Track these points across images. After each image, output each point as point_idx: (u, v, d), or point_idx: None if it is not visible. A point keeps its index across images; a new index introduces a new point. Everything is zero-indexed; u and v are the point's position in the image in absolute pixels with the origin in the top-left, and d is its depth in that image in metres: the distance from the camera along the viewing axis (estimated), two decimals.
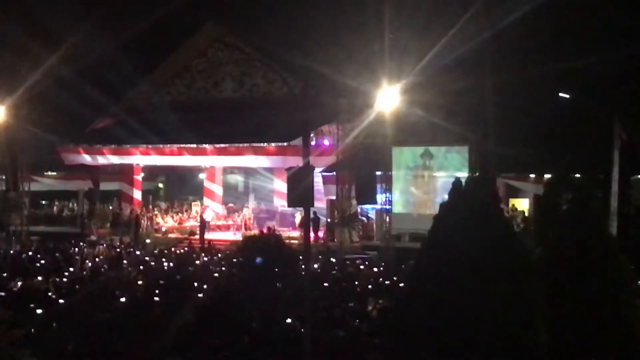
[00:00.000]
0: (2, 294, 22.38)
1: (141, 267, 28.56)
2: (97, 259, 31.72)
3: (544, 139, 35.84)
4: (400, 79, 35.95)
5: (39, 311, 19.43)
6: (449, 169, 36.14)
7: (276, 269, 21.02)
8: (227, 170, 52.26)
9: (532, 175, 38.58)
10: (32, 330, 16.77)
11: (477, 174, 13.66)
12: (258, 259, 20.83)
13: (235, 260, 26.47)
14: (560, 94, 38.42)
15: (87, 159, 45.85)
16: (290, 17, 43.95)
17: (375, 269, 28.91)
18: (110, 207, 47.83)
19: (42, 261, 30.19)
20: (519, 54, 38.27)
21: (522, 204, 40.37)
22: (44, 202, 51.03)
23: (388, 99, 36.03)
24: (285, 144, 39.00)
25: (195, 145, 42.59)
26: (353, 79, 36.79)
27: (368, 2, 38.65)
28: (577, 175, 31.21)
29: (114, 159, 45.84)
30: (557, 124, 36.90)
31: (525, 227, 34.54)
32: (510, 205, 39.16)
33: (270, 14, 46.88)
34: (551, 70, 36.19)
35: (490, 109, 35.23)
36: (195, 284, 23.73)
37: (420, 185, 37.78)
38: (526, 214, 38.46)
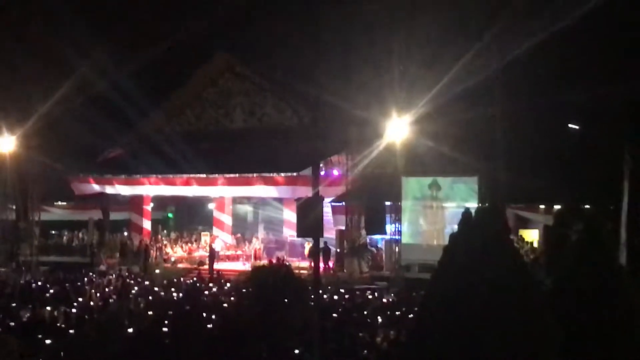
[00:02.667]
0: (12, 323, 22.37)
1: (150, 298, 28.53)
2: (106, 289, 31.72)
3: (554, 170, 35.80)
4: (410, 109, 36.08)
5: (47, 341, 19.41)
6: (456, 199, 36.09)
7: (285, 300, 20.96)
8: (237, 200, 52.25)
9: (542, 206, 38.49)
10: None
11: (487, 204, 13.63)
12: None
13: (244, 290, 26.44)
14: (570, 125, 38.41)
15: (97, 188, 45.92)
16: (301, 47, 44.10)
17: (384, 300, 28.83)
18: (120, 237, 47.83)
19: (52, 291, 30.20)
20: (529, 84, 38.32)
21: (532, 235, 40.22)
22: (53, 232, 51.06)
23: (398, 129, 36.16)
24: (294, 174, 39.00)
25: (205, 176, 42.62)
26: (363, 109, 36.89)
27: (378, 33, 38.83)
28: (587, 206, 31.18)
29: (124, 189, 45.90)
30: (567, 154, 36.87)
31: (534, 258, 34.45)
32: (518, 236, 39.04)
33: (280, 45, 47.10)
34: (561, 100, 36.22)
35: (499, 139, 35.25)
36: (204, 315, 23.67)
37: (429, 216, 37.67)
38: (535, 245, 38.32)
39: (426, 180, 37.52)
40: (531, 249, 37.20)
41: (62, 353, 18.43)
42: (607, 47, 37.36)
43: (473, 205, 26.45)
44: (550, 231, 33.85)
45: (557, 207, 36.72)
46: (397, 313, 24.40)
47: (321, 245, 38.19)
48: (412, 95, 36.45)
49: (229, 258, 45.57)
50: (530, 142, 37.25)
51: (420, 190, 37.72)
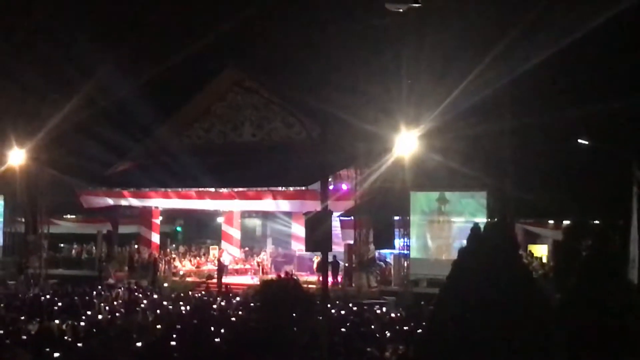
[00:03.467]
0: (21, 337, 22.38)
1: (158, 311, 28.53)
2: (114, 303, 31.73)
3: (563, 185, 35.76)
4: (419, 123, 36.10)
5: (56, 355, 19.40)
6: (465, 214, 36.04)
7: (294, 314, 20.94)
8: (245, 214, 52.27)
9: (551, 221, 38.42)
10: None
11: (496, 219, 13.62)
12: None
13: (252, 304, 26.44)
14: (579, 140, 38.37)
15: (106, 202, 45.99)
16: (310, 61, 44.26)
17: (393, 315, 28.77)
18: (129, 250, 47.84)
19: (60, 304, 30.21)
20: (538, 99, 38.34)
21: (541, 250, 40.14)
22: (62, 245, 51.15)
23: (406, 143, 36.17)
24: (303, 188, 38.99)
25: (214, 189, 42.65)
26: (371, 123, 36.92)
27: (387, 48, 38.92)
28: (596, 222, 31.13)
29: (133, 202, 45.96)
30: (576, 170, 36.83)
31: (543, 273, 34.37)
32: (527, 251, 38.94)
33: (289, 59, 47.23)
34: (570, 115, 36.22)
35: (508, 154, 35.26)
36: (213, 329, 23.65)
37: (437, 231, 37.62)
38: (544, 260, 38.22)
39: (435, 194, 37.48)
40: (540, 264, 37.10)
41: None
42: (616, 63, 37.40)
43: (482, 220, 26.44)
44: (560, 246, 33.80)
45: (566, 222, 36.66)
46: (405, 328, 24.34)
47: (330, 259, 38.35)
48: (420, 109, 36.48)
49: (237, 272, 45.55)
50: (540, 157, 37.23)
51: (428, 205, 37.68)
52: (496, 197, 35.25)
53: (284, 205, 42.04)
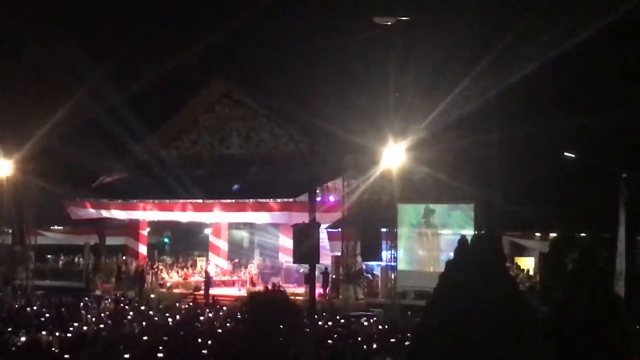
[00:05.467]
0: (8, 348, 22.31)
1: (145, 323, 28.47)
2: (101, 314, 31.65)
3: (550, 198, 35.85)
4: (406, 136, 36.20)
5: None
6: (453, 226, 36.06)
7: (281, 326, 20.94)
8: (233, 226, 52.21)
9: (538, 234, 38.50)
10: None
11: (483, 231, 13.68)
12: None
13: (239, 316, 26.39)
14: (566, 153, 38.55)
15: (93, 213, 45.89)
16: (297, 74, 44.33)
17: (380, 327, 28.78)
18: (116, 262, 47.69)
19: (47, 315, 30.12)
20: (525, 112, 38.51)
21: (528, 262, 40.17)
22: (49, 256, 50.99)
23: (394, 156, 36.25)
24: (291, 200, 39.04)
25: (201, 201, 42.63)
26: (359, 135, 37.02)
27: (374, 61, 39.04)
28: (583, 234, 31.20)
29: (120, 214, 45.89)
30: (563, 182, 36.94)
31: (530, 285, 34.43)
32: (514, 264, 38.99)
33: (277, 71, 47.31)
34: (557, 128, 36.38)
35: (495, 166, 35.40)
36: (200, 340, 23.63)
37: (424, 243, 37.63)
38: (531, 273, 38.28)
39: (421, 207, 37.50)
40: (527, 277, 37.16)
41: None
42: (604, 76, 37.61)
43: (469, 232, 26.49)
44: (546, 259, 33.88)
45: (552, 234, 36.76)
46: (392, 340, 24.36)
47: (322, 270, 38.42)
48: (408, 122, 36.61)
49: (224, 283, 45.50)
50: (527, 170, 37.36)
51: (416, 217, 37.69)
52: (483, 209, 35.31)
53: (272, 217, 42.07)
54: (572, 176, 37.09)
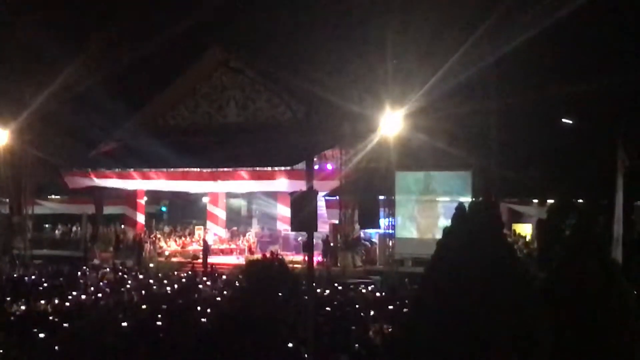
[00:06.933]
0: (6, 317, 22.36)
1: (143, 292, 28.52)
2: (100, 283, 31.69)
3: (548, 164, 35.84)
4: (404, 103, 36.05)
5: (41, 335, 19.40)
6: (451, 193, 36.04)
7: (279, 293, 20.99)
8: (231, 195, 52.18)
9: (535, 200, 38.53)
10: (35, 354, 16.73)
11: (481, 198, 13.65)
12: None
13: (238, 284, 26.46)
14: (563, 120, 38.47)
15: (90, 182, 45.79)
16: (295, 42, 44.07)
17: (378, 294, 28.85)
18: (114, 231, 47.70)
19: (45, 285, 30.15)
20: (523, 79, 38.35)
21: (525, 229, 40.27)
22: (47, 225, 51.00)
23: (391, 123, 36.13)
24: (288, 168, 38.98)
25: (198, 170, 42.56)
26: (356, 103, 36.90)
27: (372, 28, 38.80)
28: (580, 201, 31.21)
29: (118, 183, 45.80)
30: (561, 149, 36.90)
31: (528, 252, 34.49)
32: (512, 230, 39.04)
33: (274, 39, 47.02)
34: (555, 95, 36.27)
35: (493, 133, 35.31)
36: (198, 308, 23.68)
37: (422, 210, 37.67)
38: (529, 239, 38.36)
39: (420, 174, 37.50)
40: (524, 243, 37.24)
41: (56, 347, 18.43)
42: (602, 42, 37.43)
43: (467, 199, 26.48)
44: (544, 225, 33.90)
45: (550, 201, 36.77)
46: (390, 307, 24.42)
47: (323, 237, 38.49)
48: (405, 89, 36.44)
49: (222, 252, 45.54)
50: (524, 137, 37.29)
51: (414, 184, 37.69)
52: (481, 176, 35.30)
53: (269, 185, 42.04)
54: (569, 142, 37.03)
